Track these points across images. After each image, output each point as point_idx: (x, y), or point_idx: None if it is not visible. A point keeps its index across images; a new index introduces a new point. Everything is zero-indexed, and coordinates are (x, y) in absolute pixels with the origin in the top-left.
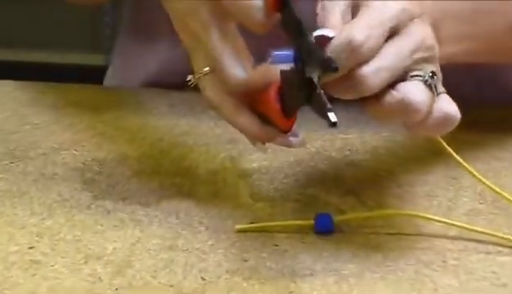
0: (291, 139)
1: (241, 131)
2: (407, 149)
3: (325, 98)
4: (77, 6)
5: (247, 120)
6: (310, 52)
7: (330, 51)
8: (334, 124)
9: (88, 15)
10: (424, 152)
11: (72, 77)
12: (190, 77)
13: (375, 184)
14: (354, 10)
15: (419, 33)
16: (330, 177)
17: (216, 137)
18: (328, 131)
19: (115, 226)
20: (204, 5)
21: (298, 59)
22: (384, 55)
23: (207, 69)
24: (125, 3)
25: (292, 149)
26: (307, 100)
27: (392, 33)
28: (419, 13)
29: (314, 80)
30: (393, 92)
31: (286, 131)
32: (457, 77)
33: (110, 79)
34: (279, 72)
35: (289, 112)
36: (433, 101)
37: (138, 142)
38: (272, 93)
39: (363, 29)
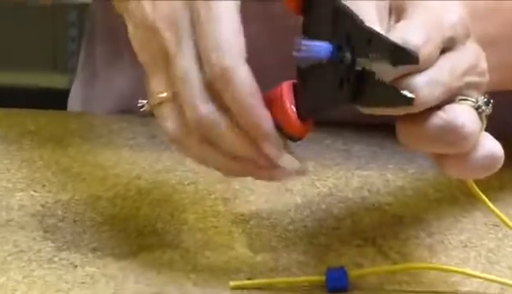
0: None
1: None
2: (439, 188)
3: (388, 82)
4: (29, 8)
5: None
6: (370, 40)
7: None
8: (411, 100)
9: (49, 27)
10: (460, 193)
11: (30, 101)
12: (143, 101)
13: (399, 232)
14: (397, 11)
15: (474, 54)
16: (345, 223)
17: (205, 174)
18: (343, 167)
19: (83, 283)
20: (186, 9)
21: (342, 50)
22: (438, 67)
23: (165, 94)
24: (90, 12)
25: (299, 188)
26: (353, 97)
27: (446, 48)
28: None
29: (368, 69)
30: (440, 113)
31: (299, 139)
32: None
33: (74, 103)
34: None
35: (308, 114)
36: (480, 134)
37: (111, 180)
38: (285, 91)
39: (421, 31)
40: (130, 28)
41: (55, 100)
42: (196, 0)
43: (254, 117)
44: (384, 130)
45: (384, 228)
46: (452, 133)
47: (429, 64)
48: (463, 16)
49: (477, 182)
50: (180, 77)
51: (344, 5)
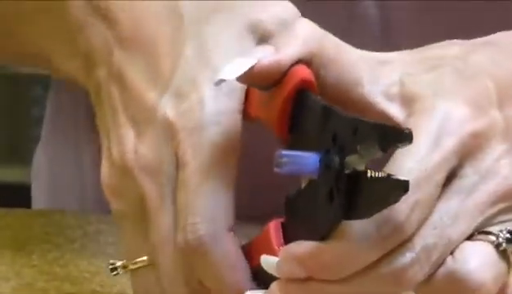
0: None
1: None
2: None
3: (384, 174)
4: None
5: None
6: (356, 129)
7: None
8: (406, 185)
9: (6, 107)
10: None
11: None
12: (116, 263)
13: None
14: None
15: (502, 174)
16: None
17: None
18: None
19: None
20: (173, 160)
21: (329, 155)
22: (433, 221)
23: (145, 258)
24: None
25: None
26: (346, 211)
27: (455, 168)
28: (503, 131)
29: (358, 167)
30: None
31: None
32: None
33: (38, 197)
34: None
35: None
36: (508, 276)
37: None
38: (272, 233)
39: (405, 201)
40: (104, 165)
41: (14, 196)
42: (185, 148)
43: None
44: None
45: None
46: (459, 287)
47: (423, 222)
48: (474, 129)
49: None
50: (155, 243)
51: (332, 105)
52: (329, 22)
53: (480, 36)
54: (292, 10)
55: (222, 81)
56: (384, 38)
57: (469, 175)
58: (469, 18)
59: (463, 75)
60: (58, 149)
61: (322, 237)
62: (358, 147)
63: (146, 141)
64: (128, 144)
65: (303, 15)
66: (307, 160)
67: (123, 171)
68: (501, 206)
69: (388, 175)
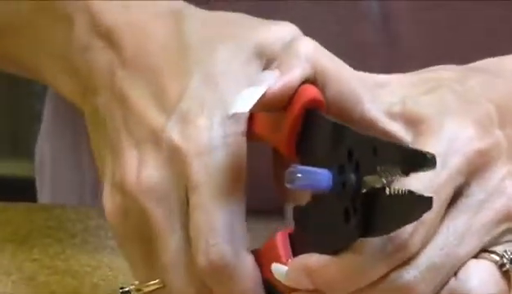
0: None
1: None
2: None
3: (403, 190)
4: None
5: None
6: (376, 149)
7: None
8: (430, 201)
9: (7, 101)
10: None
11: None
12: (127, 287)
13: None
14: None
15: (508, 194)
16: None
17: None
18: None
19: None
20: (178, 190)
21: (344, 172)
22: (440, 241)
23: (157, 280)
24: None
25: None
26: (363, 229)
27: (461, 187)
28: (507, 151)
29: (377, 186)
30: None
31: None
32: None
33: (43, 192)
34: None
35: None
36: None
37: (87, 291)
38: (280, 244)
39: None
40: (106, 189)
41: (16, 190)
42: (194, 171)
43: None
44: None
45: None
46: None
47: (428, 241)
48: (478, 147)
49: None
50: (166, 265)
51: (343, 123)
52: (329, 22)
53: (480, 35)
54: (295, 30)
55: (235, 114)
56: (385, 37)
57: (475, 193)
58: (468, 16)
59: (463, 97)
60: (57, 144)
61: (334, 253)
62: (378, 168)
63: (150, 164)
64: (131, 167)
65: (304, 15)
66: (321, 176)
67: (126, 194)
68: (506, 226)
69: (410, 192)
